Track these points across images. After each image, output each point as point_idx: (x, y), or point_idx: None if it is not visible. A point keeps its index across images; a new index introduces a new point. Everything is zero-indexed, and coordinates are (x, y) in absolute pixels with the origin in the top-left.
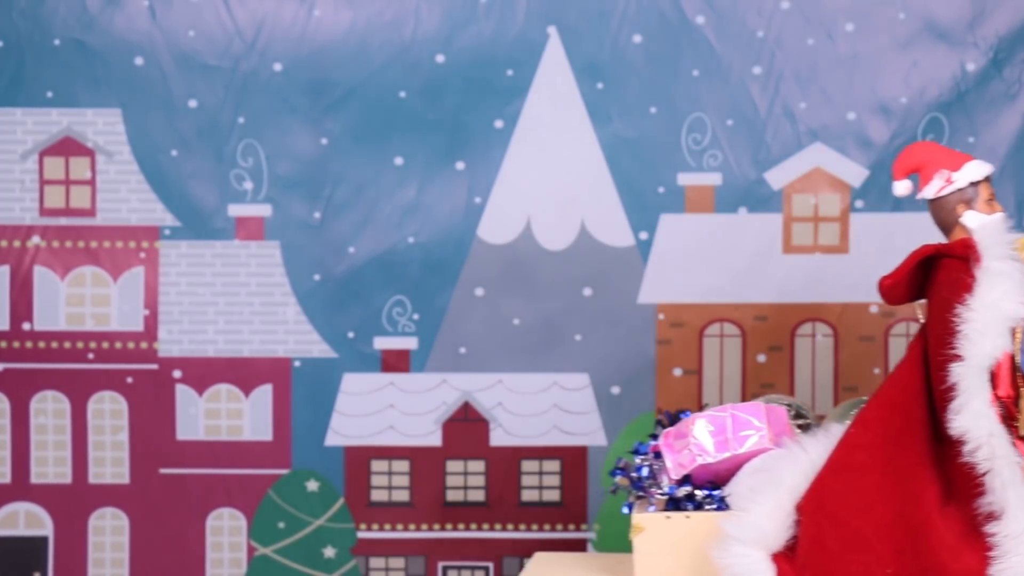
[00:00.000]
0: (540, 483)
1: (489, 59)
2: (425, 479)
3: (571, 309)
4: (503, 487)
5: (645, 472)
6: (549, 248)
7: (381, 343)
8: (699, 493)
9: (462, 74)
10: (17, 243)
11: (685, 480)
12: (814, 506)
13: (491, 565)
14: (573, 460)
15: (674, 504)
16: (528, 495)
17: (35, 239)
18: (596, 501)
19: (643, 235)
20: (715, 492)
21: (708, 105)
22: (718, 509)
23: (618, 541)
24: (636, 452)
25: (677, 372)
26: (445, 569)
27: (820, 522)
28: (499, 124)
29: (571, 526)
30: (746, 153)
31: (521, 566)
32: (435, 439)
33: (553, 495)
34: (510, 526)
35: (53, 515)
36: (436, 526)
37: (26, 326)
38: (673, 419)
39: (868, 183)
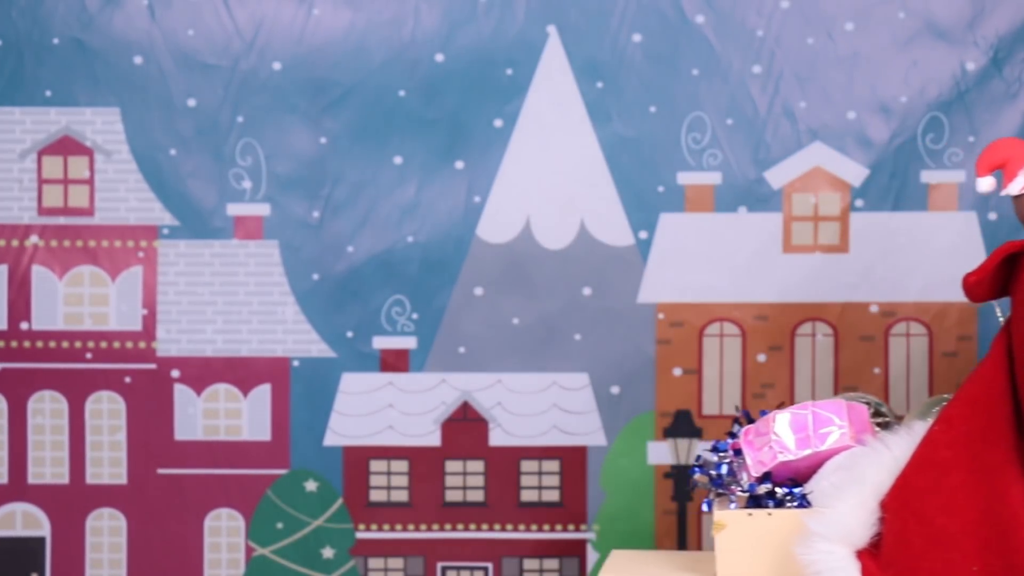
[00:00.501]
0: (539, 483)
1: (488, 58)
2: (424, 479)
3: (571, 309)
4: (502, 487)
5: (724, 469)
6: (548, 247)
7: (380, 343)
8: (779, 490)
9: (461, 73)
10: (15, 242)
11: (765, 477)
12: (899, 503)
13: (490, 565)
14: (573, 460)
15: (754, 501)
16: (527, 495)
17: (33, 238)
18: (596, 501)
19: (643, 234)
20: (795, 490)
21: (708, 104)
22: (799, 506)
23: (618, 542)
24: (715, 449)
25: (677, 372)
26: (444, 569)
27: (905, 519)
28: (498, 123)
29: (571, 526)
30: (746, 152)
31: (521, 566)
32: (434, 439)
33: (552, 495)
34: (509, 526)
35: (50, 516)
36: (435, 526)
37: (24, 326)
38: (750, 418)
39: (868, 182)
